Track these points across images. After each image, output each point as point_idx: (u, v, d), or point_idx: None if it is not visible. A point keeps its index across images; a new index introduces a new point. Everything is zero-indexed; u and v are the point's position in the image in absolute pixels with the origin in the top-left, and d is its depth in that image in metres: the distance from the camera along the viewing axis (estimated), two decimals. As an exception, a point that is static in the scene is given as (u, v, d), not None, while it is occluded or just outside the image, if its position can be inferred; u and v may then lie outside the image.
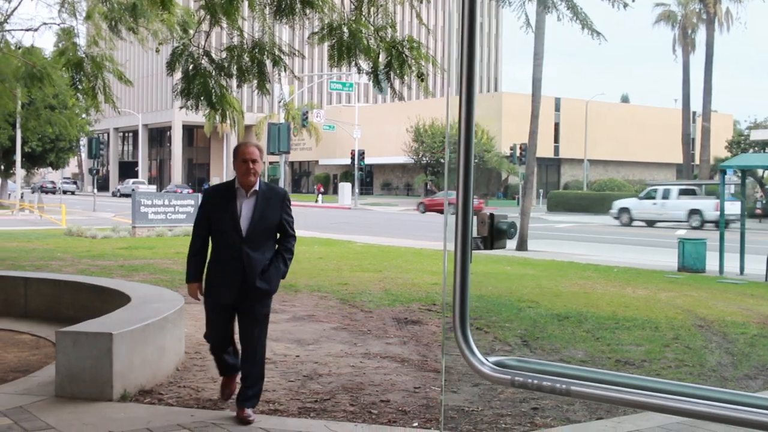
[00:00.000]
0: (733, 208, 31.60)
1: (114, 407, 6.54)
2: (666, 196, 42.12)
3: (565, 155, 76.27)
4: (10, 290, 10.88)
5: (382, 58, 8.73)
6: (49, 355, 8.51)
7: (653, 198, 42.50)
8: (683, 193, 42.50)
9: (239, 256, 6.12)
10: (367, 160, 71.58)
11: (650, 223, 41.77)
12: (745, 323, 11.44)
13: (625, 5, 9.64)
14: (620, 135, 77.66)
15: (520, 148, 43.46)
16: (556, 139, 75.02)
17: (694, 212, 40.47)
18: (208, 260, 6.36)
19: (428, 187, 73.03)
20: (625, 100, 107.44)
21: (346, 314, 11.63)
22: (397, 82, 8.93)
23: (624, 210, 43.03)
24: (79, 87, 11.03)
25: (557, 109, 74.43)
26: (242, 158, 6.22)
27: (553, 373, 2.04)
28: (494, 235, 2.38)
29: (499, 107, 71.51)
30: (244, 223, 6.15)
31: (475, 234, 2.21)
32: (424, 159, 73.11)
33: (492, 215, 2.37)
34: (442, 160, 68.95)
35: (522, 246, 24.77)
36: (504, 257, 20.98)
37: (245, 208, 6.18)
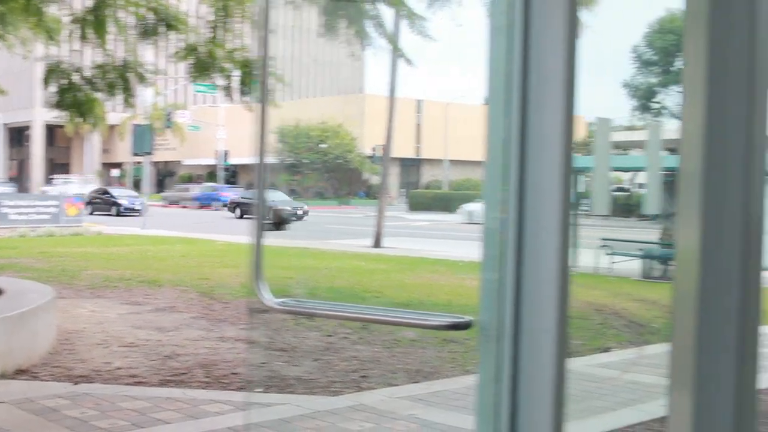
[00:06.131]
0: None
1: (-5, 383, 7.47)
2: None
3: (426, 156, 78.26)
4: None
5: (236, 75, 9.83)
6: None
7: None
8: None
9: None
10: (232, 160, 72.17)
11: None
12: (564, 308, 12.90)
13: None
14: (479, 136, 79.83)
15: (383, 149, 44.80)
16: (418, 140, 76.94)
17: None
18: None
19: (290, 187, 73.92)
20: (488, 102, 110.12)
21: (205, 305, 12.64)
22: (249, 96, 10.05)
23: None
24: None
25: (419, 111, 76.38)
26: None
27: (312, 306, 3.24)
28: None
29: (362, 109, 72.98)
30: None
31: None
32: (288, 159, 74.03)
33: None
34: (304, 161, 70.05)
35: (377, 243, 26.05)
36: (360, 254, 22.22)
37: None
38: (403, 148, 66.24)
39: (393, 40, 12.96)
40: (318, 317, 2.77)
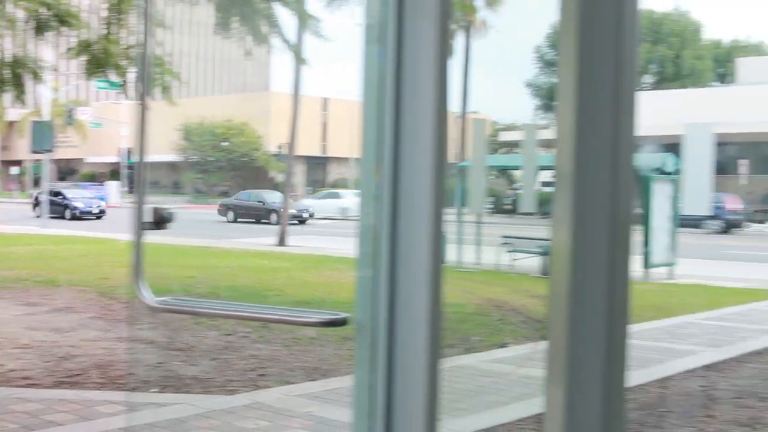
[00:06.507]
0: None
1: None
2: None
3: (332, 153, 78.21)
4: None
5: (132, 72, 9.71)
6: None
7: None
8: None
9: None
10: (136, 158, 71.13)
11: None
12: (465, 303, 13.05)
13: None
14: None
15: (288, 147, 44.62)
16: (325, 138, 76.87)
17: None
18: None
19: (195, 185, 73.20)
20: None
21: (104, 305, 12.46)
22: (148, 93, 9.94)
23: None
24: None
25: (325, 109, 76.31)
26: None
27: (191, 304, 3.24)
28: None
29: (268, 106, 72.61)
30: None
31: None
32: (193, 157, 73.26)
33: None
34: (210, 159, 69.53)
35: (282, 241, 25.98)
36: (264, 252, 22.14)
37: None
38: (309, 146, 66.19)
39: (287, 39, 13.04)
40: (197, 315, 2.83)
